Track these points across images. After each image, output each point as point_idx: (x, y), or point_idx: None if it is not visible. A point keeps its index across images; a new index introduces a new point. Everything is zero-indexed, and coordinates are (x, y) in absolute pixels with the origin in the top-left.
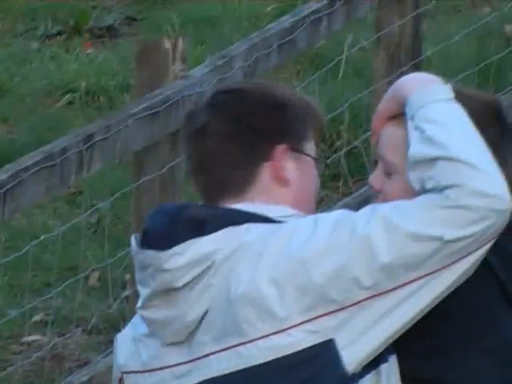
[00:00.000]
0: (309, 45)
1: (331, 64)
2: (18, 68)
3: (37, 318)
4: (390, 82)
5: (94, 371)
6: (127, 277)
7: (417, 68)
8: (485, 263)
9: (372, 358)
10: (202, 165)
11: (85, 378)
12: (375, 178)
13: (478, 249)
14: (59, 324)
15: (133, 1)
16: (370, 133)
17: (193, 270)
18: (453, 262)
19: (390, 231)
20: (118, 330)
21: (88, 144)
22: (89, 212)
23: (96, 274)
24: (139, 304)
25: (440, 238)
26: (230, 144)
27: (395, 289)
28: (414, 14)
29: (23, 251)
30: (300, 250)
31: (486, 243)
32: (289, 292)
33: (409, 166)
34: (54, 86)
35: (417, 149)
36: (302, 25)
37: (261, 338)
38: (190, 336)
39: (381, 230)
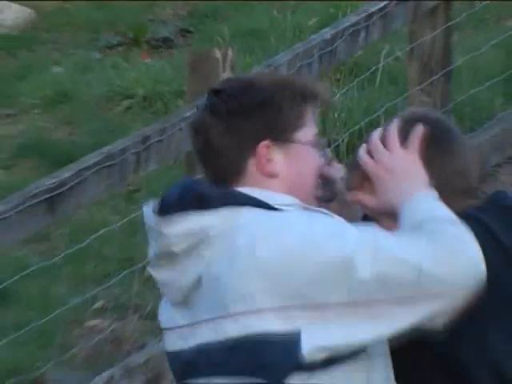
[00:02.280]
0: (348, 55)
1: (368, 73)
2: (81, 76)
3: (97, 304)
4: (423, 90)
5: (150, 354)
6: None
7: (448, 76)
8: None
9: (333, 354)
10: (201, 158)
11: (141, 360)
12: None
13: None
14: (118, 310)
15: (187, 14)
16: None
17: (188, 239)
18: (423, 300)
19: (376, 252)
20: None
21: (145, 145)
22: None
23: None
24: (150, 263)
25: (418, 267)
26: (220, 142)
27: (367, 304)
28: (445, 26)
29: (85, 244)
30: (289, 243)
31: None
32: (272, 279)
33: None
34: (114, 92)
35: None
36: (342, 36)
37: (239, 314)
38: (185, 299)
39: (367, 249)
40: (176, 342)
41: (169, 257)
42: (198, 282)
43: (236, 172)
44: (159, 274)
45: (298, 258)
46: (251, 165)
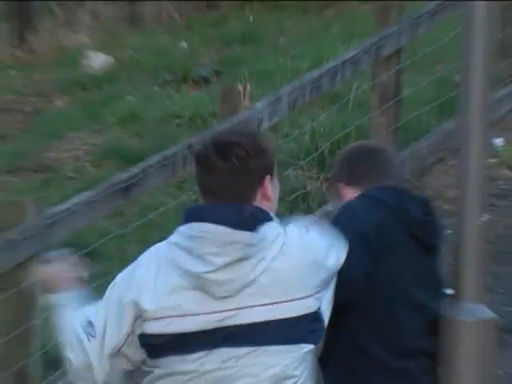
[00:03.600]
0: (330, 88)
1: (344, 101)
2: (146, 103)
3: None
4: (381, 112)
5: None
6: None
7: (398, 103)
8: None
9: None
10: (213, 192)
11: None
12: None
13: None
14: None
15: (219, 61)
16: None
17: (258, 246)
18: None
19: (336, 248)
20: None
21: (190, 150)
22: (190, 193)
23: None
24: (206, 269)
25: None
26: (242, 179)
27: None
28: (397, 68)
29: (148, 218)
30: (321, 248)
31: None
32: (315, 272)
33: None
34: (168, 114)
35: None
36: (326, 75)
37: (300, 298)
38: (237, 292)
39: (336, 246)
40: (212, 323)
41: (238, 262)
42: (257, 278)
43: (248, 198)
44: (221, 276)
45: (325, 255)
46: (258, 192)
